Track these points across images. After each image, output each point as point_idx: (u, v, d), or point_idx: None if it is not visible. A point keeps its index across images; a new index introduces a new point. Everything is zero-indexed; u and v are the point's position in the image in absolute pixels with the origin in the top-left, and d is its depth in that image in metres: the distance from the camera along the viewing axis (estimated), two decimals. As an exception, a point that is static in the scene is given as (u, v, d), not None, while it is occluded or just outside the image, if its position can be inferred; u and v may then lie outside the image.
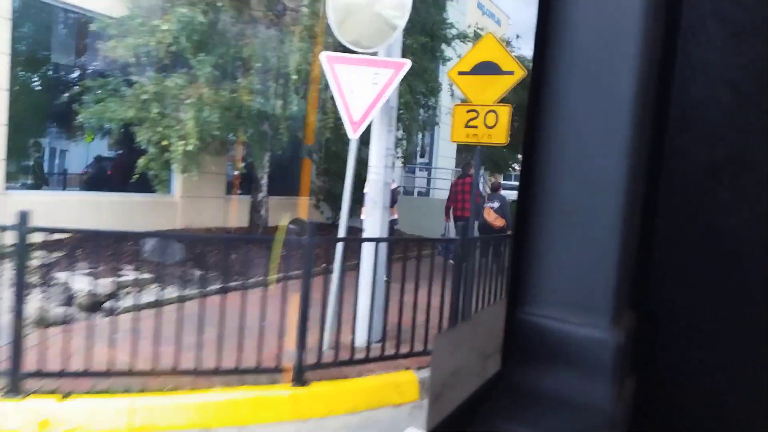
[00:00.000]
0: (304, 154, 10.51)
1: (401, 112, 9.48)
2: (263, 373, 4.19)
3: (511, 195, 21.15)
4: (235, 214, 10.51)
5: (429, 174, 15.73)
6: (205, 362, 4.05)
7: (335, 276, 4.94)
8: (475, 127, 5.71)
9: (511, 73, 5.52)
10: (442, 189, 14.74)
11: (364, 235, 5.33)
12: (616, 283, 0.52)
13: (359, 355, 4.63)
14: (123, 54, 7.23)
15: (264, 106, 7.53)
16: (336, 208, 12.63)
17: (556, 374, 0.54)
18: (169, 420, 3.79)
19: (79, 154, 9.95)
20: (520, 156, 19.11)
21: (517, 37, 20.32)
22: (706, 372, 0.58)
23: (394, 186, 7.72)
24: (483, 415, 0.52)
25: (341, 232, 5.04)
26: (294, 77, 7.19)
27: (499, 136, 5.62)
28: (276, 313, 4.25)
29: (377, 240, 4.97)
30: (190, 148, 6.80)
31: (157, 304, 4.90)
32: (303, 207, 12.10)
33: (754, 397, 0.56)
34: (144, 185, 8.07)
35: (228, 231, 10.52)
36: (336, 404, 4.20)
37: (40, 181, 9.00)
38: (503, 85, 5.57)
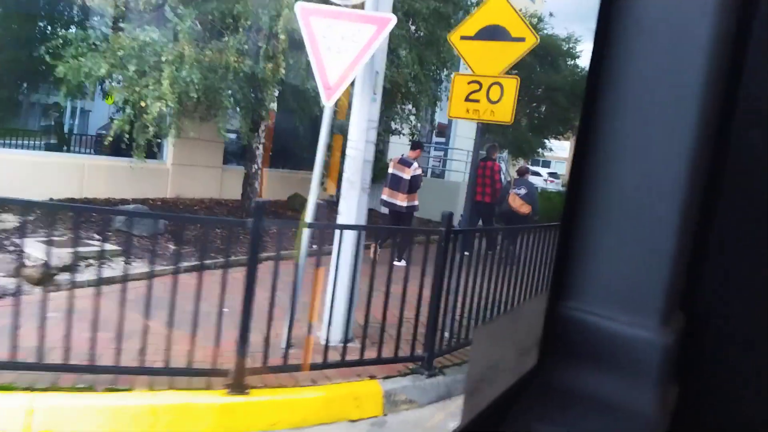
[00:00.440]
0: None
1: (410, 85, 8.72)
2: (198, 375, 3.58)
3: (534, 181, 20.14)
4: (231, 185, 9.91)
5: (445, 155, 14.89)
6: (134, 357, 3.46)
7: (300, 265, 4.28)
8: (477, 101, 4.94)
9: (521, 39, 4.71)
10: (458, 171, 13.93)
11: (339, 219, 4.65)
12: (668, 282, 0.50)
13: (317, 358, 3.99)
14: (102, 3, 6.60)
15: (254, 69, 6.84)
16: (339, 184, 12.00)
17: (596, 374, 0.51)
18: (73, 425, 3.21)
19: (67, 113, 9.46)
20: (547, 140, 18.20)
21: (551, 15, 19.17)
22: (756, 383, 0.54)
23: (418, 171, 7.61)
24: (517, 414, 0.49)
25: (309, 215, 4.36)
26: (286, 38, 6.47)
27: (504, 113, 4.85)
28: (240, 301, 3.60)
29: (342, 227, 4.29)
30: (164, 109, 6.15)
31: (112, 281, 4.31)
32: (307, 182, 11.46)
33: None
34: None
35: (221, 203, 9.96)
36: (278, 417, 3.57)
37: (21, 140, 8.52)
38: (512, 53, 4.77)
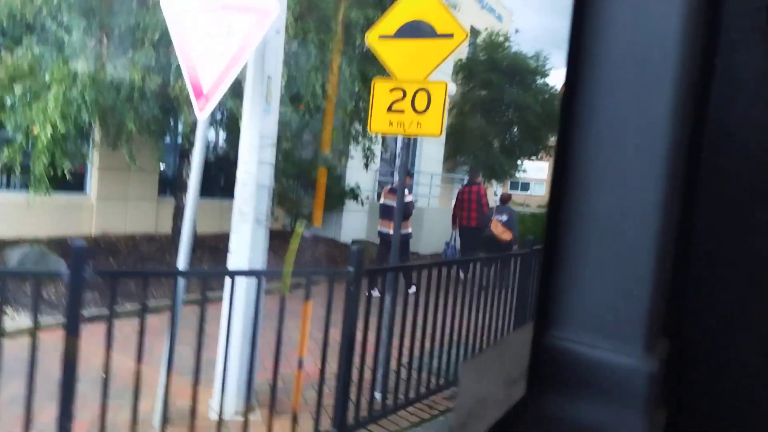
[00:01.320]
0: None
1: (354, 103, 7.95)
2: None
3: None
4: (169, 218, 8.98)
5: (410, 178, 14.11)
6: None
7: (174, 321, 3.37)
8: (401, 111, 4.12)
9: (449, 36, 3.93)
10: (423, 196, 13.12)
11: (230, 259, 3.76)
12: (650, 308, 0.51)
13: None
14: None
15: (164, 87, 5.99)
16: (292, 213, 11.11)
17: (584, 402, 0.52)
18: None
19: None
20: (520, 162, 17.55)
21: (516, 31, 18.72)
22: (741, 407, 0.55)
23: (409, 198, 7.56)
24: None
25: (181, 261, 3.47)
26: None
27: (432, 124, 4.03)
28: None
29: (232, 273, 3.41)
30: (50, 135, 5.27)
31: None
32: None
33: None
34: (59, 183, 6.49)
35: (154, 238, 9.01)
36: None
37: None
38: (439, 52, 3.98)
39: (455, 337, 4.46)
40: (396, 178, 7.91)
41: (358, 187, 10.97)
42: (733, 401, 0.55)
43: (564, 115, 0.52)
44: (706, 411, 0.56)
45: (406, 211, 7.35)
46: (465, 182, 9.17)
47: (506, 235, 8.36)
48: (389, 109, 4.15)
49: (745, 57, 0.53)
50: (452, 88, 14.90)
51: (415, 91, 4.05)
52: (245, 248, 3.66)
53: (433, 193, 13.13)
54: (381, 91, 4.18)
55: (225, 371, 3.67)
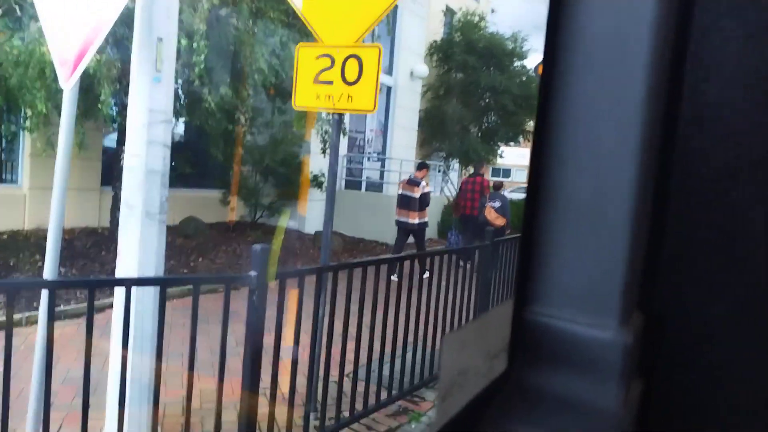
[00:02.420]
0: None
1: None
2: None
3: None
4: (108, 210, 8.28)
5: (382, 165, 13.44)
6: None
7: (47, 337, 2.73)
8: (329, 83, 3.49)
9: (383, -8, 3.29)
10: (394, 183, 12.49)
11: (118, 262, 3.12)
12: (624, 284, 0.52)
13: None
14: None
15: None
16: (252, 204, 10.43)
17: (563, 374, 0.54)
18: None
19: None
20: (500, 145, 16.97)
21: (492, 11, 18.03)
22: (714, 376, 0.58)
23: (427, 190, 8.23)
24: (490, 415, 0.52)
25: (48, 269, 2.83)
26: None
27: (365, 98, 3.40)
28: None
29: (92, 284, 2.79)
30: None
31: None
32: (208, 203, 9.86)
33: (765, 404, 0.57)
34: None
35: (95, 232, 8.32)
36: None
37: None
38: (372, 11, 3.35)
39: (412, 338, 3.89)
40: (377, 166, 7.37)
41: (323, 175, 10.30)
42: (707, 370, 0.57)
43: (542, 98, 0.54)
44: (680, 381, 0.58)
45: (424, 200, 8.06)
46: (470, 173, 9.76)
47: (499, 221, 8.58)
48: (316, 80, 3.51)
49: (718, 40, 0.55)
50: (426, 70, 14.24)
51: (345, 58, 3.41)
52: (134, 249, 3.01)
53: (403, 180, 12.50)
54: (306, 59, 3.54)
55: (121, 394, 3.04)
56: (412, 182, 8.21)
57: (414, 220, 8.05)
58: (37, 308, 5.32)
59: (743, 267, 0.56)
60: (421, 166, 8.65)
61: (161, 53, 2.98)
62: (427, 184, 8.36)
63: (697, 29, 0.55)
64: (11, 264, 6.35)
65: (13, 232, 7.53)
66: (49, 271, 2.85)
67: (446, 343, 0.49)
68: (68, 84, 2.73)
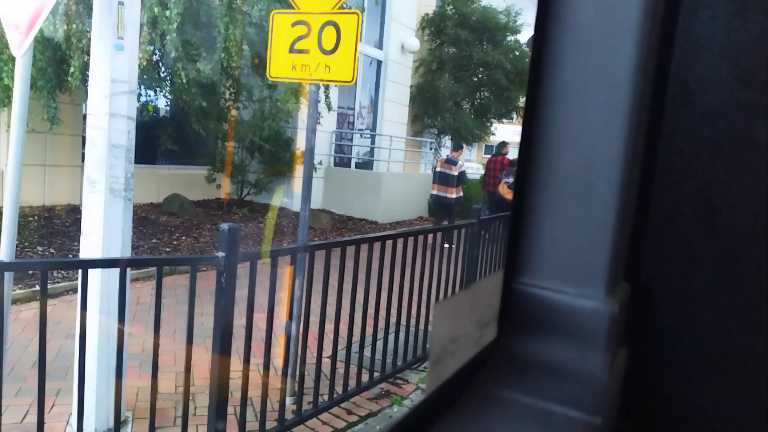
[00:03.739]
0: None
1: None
2: None
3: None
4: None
5: (372, 142, 13.21)
6: None
7: (4, 316, 2.58)
8: (306, 51, 3.30)
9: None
10: (384, 161, 12.30)
11: (82, 241, 2.96)
12: (611, 256, 0.53)
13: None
14: None
15: (53, 32, 5.06)
16: (239, 181, 10.24)
17: (550, 343, 0.55)
18: None
19: None
20: (492, 122, 16.75)
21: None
22: (698, 345, 0.59)
23: (463, 168, 9.35)
24: (479, 381, 0.53)
25: (3, 252, 2.68)
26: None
27: (343, 68, 3.22)
28: None
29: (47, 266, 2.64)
30: None
31: None
32: (194, 180, 9.66)
33: (745, 371, 0.58)
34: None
35: (77, 209, 8.12)
36: None
37: None
38: (349, -24, 3.14)
39: (395, 319, 3.78)
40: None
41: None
42: (691, 339, 0.59)
43: (532, 73, 0.54)
44: (665, 350, 0.60)
45: (461, 177, 9.25)
46: (494, 153, 10.70)
47: (510, 196, 8.94)
48: (291, 48, 3.32)
49: (707, 15, 0.56)
50: (417, 44, 13.95)
51: (322, 25, 3.22)
52: (98, 228, 2.86)
53: (393, 157, 12.31)
54: (281, 27, 3.34)
55: (81, 380, 2.92)
56: (450, 161, 9.29)
57: (452, 195, 9.13)
58: (22, 288, 5.19)
59: (726, 239, 0.57)
60: (457, 147, 10.03)
61: (123, 18, 2.79)
62: (462, 164, 9.51)
63: (686, 4, 0.56)
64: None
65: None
66: (4, 253, 2.70)
67: (438, 311, 0.50)
68: (20, 51, 2.54)
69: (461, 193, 9.42)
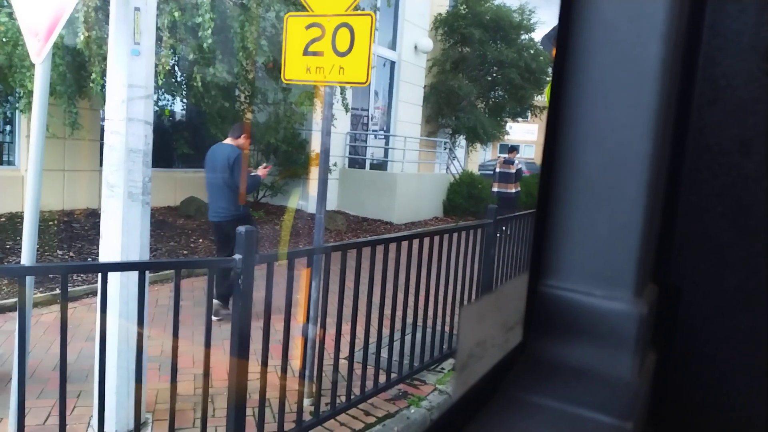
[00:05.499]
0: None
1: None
2: None
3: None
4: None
5: (386, 143, 13.21)
6: None
7: (26, 318, 2.62)
8: (320, 54, 3.31)
9: (375, -45, 3.07)
10: (398, 161, 12.29)
11: (101, 245, 3.00)
12: (639, 256, 0.52)
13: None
14: None
15: (72, 39, 5.13)
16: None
17: (578, 346, 0.54)
18: None
19: None
20: (507, 121, 16.65)
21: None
22: (728, 346, 0.57)
23: (519, 166, 10.76)
24: (505, 386, 0.52)
25: (25, 254, 2.72)
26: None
27: (357, 69, 3.22)
28: None
29: (64, 270, 2.66)
30: None
31: None
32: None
33: None
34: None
35: (96, 213, 8.22)
36: None
37: None
38: (363, -23, 3.14)
39: (412, 320, 3.76)
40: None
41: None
42: (721, 341, 0.57)
43: (556, 72, 0.53)
44: (695, 351, 0.58)
45: (518, 174, 10.71)
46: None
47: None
48: (306, 51, 3.33)
49: (735, 9, 0.54)
50: (430, 44, 13.92)
51: (336, 28, 3.23)
52: (116, 231, 2.89)
53: (407, 157, 12.28)
54: (295, 30, 3.35)
55: (102, 382, 2.95)
56: (508, 161, 10.80)
57: (512, 190, 10.65)
58: (43, 291, 5.26)
59: (757, 238, 0.55)
60: (512, 149, 11.64)
61: (139, 24, 2.82)
62: (518, 162, 10.96)
63: (713, 4, 0.55)
64: (8, 247, 6.28)
65: (11, 215, 7.45)
66: (26, 257, 2.73)
67: (464, 315, 0.49)
68: (40, 58, 2.58)
69: (519, 188, 10.81)
